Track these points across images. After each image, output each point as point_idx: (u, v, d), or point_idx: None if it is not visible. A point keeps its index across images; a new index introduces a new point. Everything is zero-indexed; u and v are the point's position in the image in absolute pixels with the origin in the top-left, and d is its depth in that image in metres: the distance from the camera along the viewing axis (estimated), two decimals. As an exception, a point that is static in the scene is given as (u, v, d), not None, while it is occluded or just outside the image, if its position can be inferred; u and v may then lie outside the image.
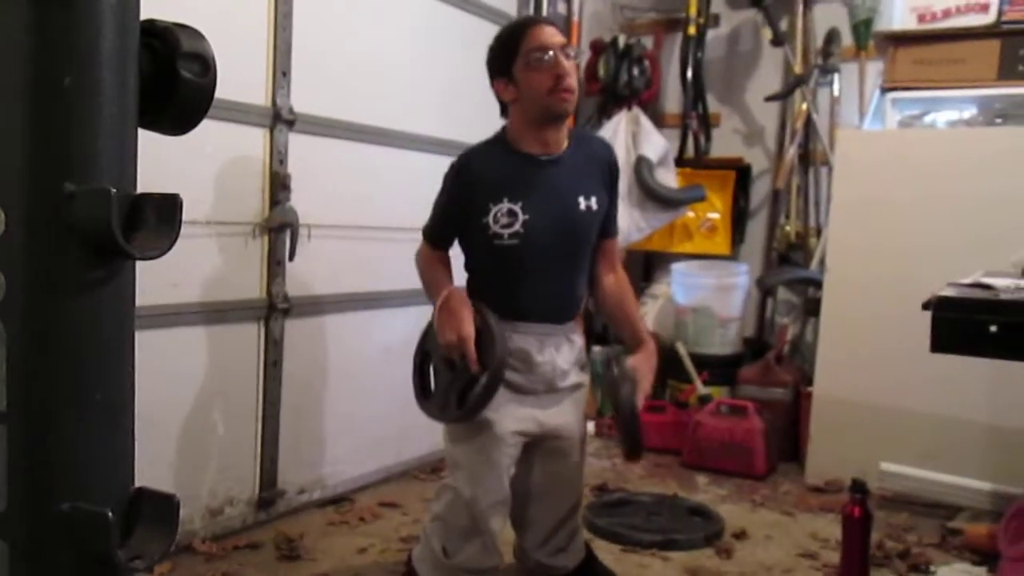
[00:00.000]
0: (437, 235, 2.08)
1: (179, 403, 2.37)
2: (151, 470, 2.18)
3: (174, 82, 0.76)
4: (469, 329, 1.87)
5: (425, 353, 2.06)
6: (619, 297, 2.17)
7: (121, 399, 0.74)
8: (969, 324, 1.48)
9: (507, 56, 1.96)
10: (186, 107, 0.77)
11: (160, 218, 0.73)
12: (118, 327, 0.74)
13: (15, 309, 0.69)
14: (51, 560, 0.70)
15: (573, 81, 1.93)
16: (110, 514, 0.70)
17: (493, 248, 1.96)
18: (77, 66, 0.68)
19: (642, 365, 2.05)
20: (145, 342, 2.08)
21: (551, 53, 1.91)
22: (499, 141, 2.03)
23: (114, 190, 0.68)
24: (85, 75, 0.68)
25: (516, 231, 1.94)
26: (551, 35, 1.93)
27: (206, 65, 0.78)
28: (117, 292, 0.72)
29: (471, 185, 1.98)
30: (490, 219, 1.94)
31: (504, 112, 2.04)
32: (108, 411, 0.72)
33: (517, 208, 1.93)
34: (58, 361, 0.69)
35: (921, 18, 3.12)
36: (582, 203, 2.00)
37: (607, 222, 2.11)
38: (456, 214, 2.02)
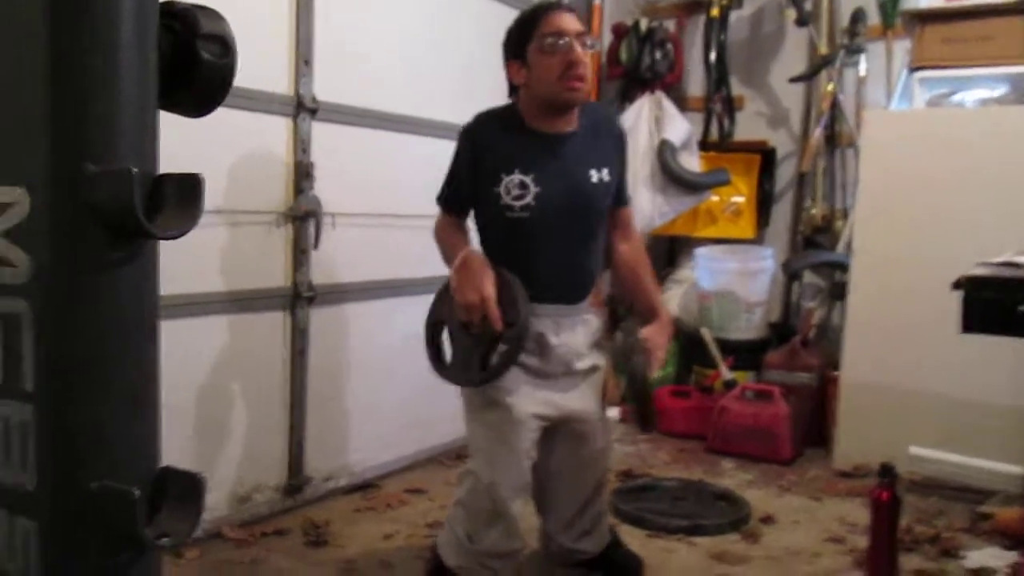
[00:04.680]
0: (450, 199, 2.07)
1: (206, 391, 2.39)
2: (179, 457, 2.20)
3: (194, 63, 0.77)
4: (490, 288, 1.85)
5: (436, 322, 2.04)
6: (633, 265, 2.15)
7: (146, 378, 0.75)
8: (1000, 304, 1.45)
9: (522, 38, 1.94)
10: (206, 88, 0.78)
11: (182, 198, 0.73)
12: (141, 307, 0.74)
13: (40, 290, 0.69)
14: (79, 538, 0.72)
15: (585, 71, 1.91)
16: (137, 492, 0.71)
17: (505, 220, 1.95)
18: (96, 48, 0.68)
19: (655, 336, 2.03)
20: (172, 331, 2.09)
21: (566, 39, 1.89)
22: (511, 114, 2.01)
23: (136, 170, 0.69)
24: (104, 57, 0.69)
25: (527, 203, 1.92)
26: (569, 22, 1.91)
27: (226, 46, 0.78)
28: (140, 272, 0.73)
29: (482, 150, 1.97)
30: (501, 189, 1.93)
31: (512, 94, 2.03)
32: (133, 390, 0.73)
33: (529, 180, 1.92)
34: (83, 341, 0.70)
35: (949, -5, 3.07)
36: (594, 176, 1.99)
37: (618, 191, 2.10)
38: (468, 178, 2.00)
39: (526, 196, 1.92)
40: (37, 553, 0.72)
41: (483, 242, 2.06)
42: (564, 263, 1.99)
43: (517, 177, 1.92)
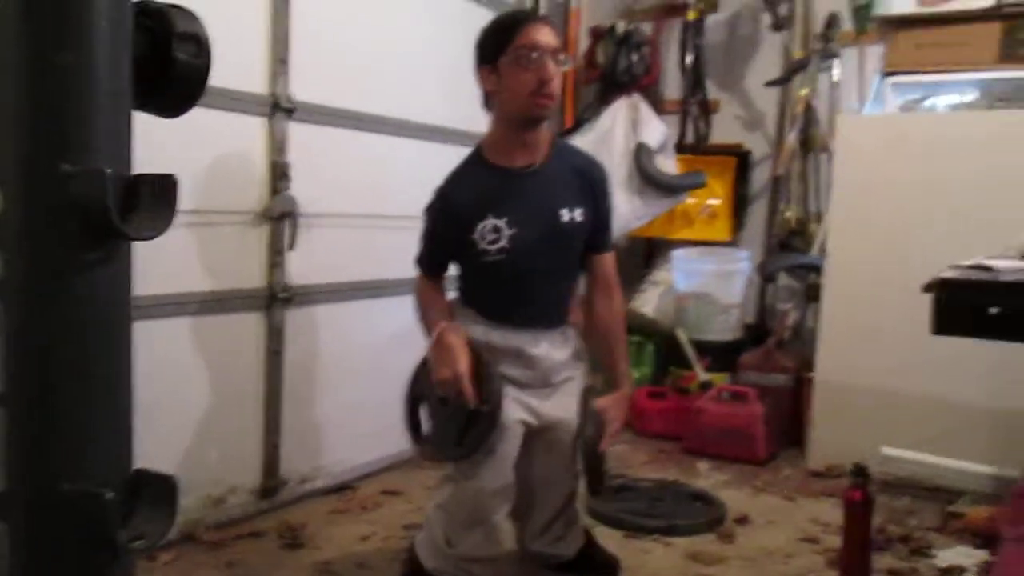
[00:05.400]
0: (429, 263, 2.08)
1: (181, 393, 2.37)
2: (153, 459, 2.18)
3: (169, 63, 0.76)
4: (464, 365, 1.86)
5: (415, 394, 2.06)
6: (608, 330, 2.12)
7: (119, 379, 0.75)
8: (969, 306, 1.47)
9: (497, 46, 1.92)
10: (181, 88, 0.77)
11: (157, 199, 0.73)
12: (116, 308, 0.74)
13: (14, 290, 0.69)
14: (52, 540, 0.71)
15: (556, 88, 1.91)
16: (110, 494, 0.71)
17: (482, 263, 1.96)
18: (70, 46, 0.68)
19: (612, 409, 2.03)
20: (147, 331, 2.08)
21: (540, 54, 1.88)
22: (476, 159, 2.02)
23: (110, 171, 0.68)
24: (79, 55, 0.68)
25: (503, 246, 1.94)
26: (545, 36, 1.90)
27: (201, 46, 0.78)
28: (115, 273, 0.73)
29: (454, 212, 1.98)
30: (476, 236, 1.94)
31: (487, 103, 2.02)
32: (107, 391, 0.73)
33: (502, 223, 1.94)
34: (56, 342, 0.69)
35: (922, 1, 3.10)
36: (565, 215, 1.98)
37: (596, 236, 2.08)
38: (444, 241, 2.02)
39: (500, 239, 1.94)
40: (8, 555, 0.71)
41: (462, 282, 2.08)
42: (541, 295, 2.02)
43: (491, 222, 1.94)
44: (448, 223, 1.99)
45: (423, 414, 2.06)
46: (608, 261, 2.13)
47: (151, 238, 0.74)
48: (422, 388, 2.03)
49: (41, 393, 0.72)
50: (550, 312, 2.06)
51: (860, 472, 2.13)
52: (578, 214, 2.00)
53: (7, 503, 0.72)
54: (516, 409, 1.95)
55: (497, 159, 1.99)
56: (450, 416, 1.92)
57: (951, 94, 3.22)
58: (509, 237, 1.94)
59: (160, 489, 0.78)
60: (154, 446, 2.29)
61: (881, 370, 3.00)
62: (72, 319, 0.73)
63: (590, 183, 2.06)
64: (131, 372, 0.78)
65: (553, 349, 2.03)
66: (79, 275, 0.72)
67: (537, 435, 2.03)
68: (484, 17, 1.96)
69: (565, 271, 2.07)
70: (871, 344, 3.01)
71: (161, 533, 0.77)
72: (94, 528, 0.73)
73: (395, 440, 3.06)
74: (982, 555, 2.38)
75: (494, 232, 1.94)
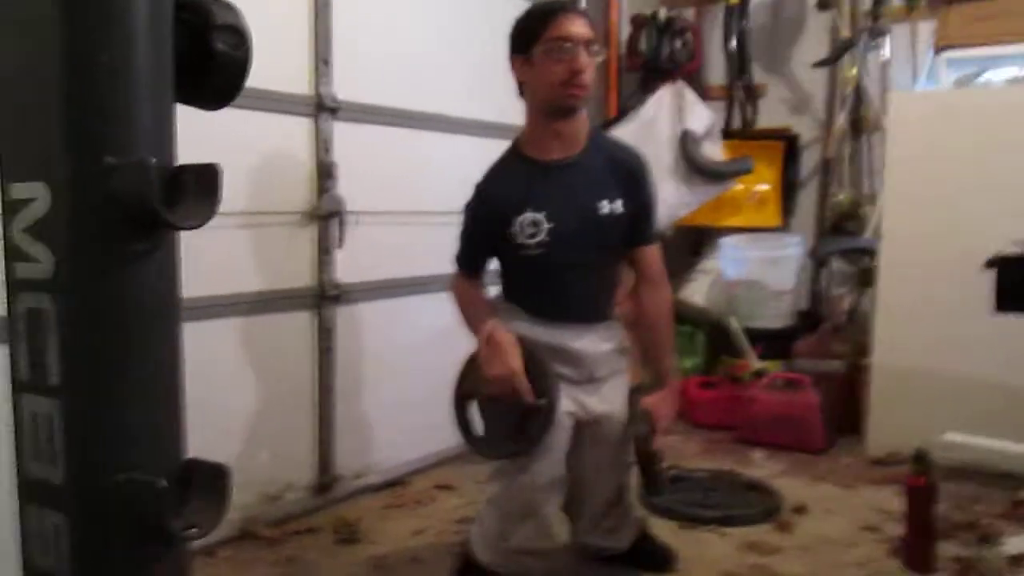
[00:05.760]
0: (468, 261, 2.07)
1: (235, 392, 2.40)
2: (209, 457, 2.22)
3: (209, 55, 0.77)
4: (517, 362, 1.85)
5: (463, 396, 2.05)
6: (654, 323, 2.08)
7: (169, 369, 0.75)
8: (1034, 281, 1.43)
9: (530, 36, 1.91)
10: (222, 80, 0.78)
11: (201, 189, 0.73)
12: (164, 298, 0.75)
13: (63, 285, 0.70)
14: (108, 530, 0.72)
15: (588, 78, 1.89)
16: (163, 483, 0.71)
17: (521, 258, 1.95)
18: (111, 41, 0.68)
19: (660, 406, 2.00)
20: (200, 332, 2.11)
21: (573, 46, 1.86)
22: (513, 154, 2.01)
23: (154, 161, 0.69)
24: (120, 50, 0.69)
25: (542, 240, 1.92)
26: (578, 26, 1.88)
27: (241, 37, 0.78)
28: (162, 263, 0.73)
29: (493, 207, 1.97)
30: (515, 230, 1.93)
31: (522, 92, 2.01)
32: (157, 382, 0.73)
33: (541, 217, 1.92)
34: (107, 334, 0.70)
35: (974, -27, 3.02)
36: (605, 206, 1.96)
37: (638, 228, 2.04)
38: (483, 237, 2.01)
39: (539, 233, 1.92)
40: (67, 546, 0.72)
41: (503, 278, 2.07)
42: (583, 289, 2.01)
43: (529, 216, 1.92)
44: (487, 219, 1.98)
45: (473, 413, 2.05)
46: (653, 253, 2.09)
47: (196, 227, 0.74)
48: (471, 386, 2.02)
49: (94, 385, 0.73)
50: (592, 306, 2.04)
51: (922, 458, 2.08)
52: (618, 205, 1.98)
53: (63, 494, 0.73)
54: (565, 402, 1.94)
55: (534, 152, 1.98)
56: (504, 413, 1.91)
57: (1008, 67, 3.12)
58: (548, 231, 1.92)
59: (212, 478, 0.78)
60: (209, 445, 2.32)
61: (940, 353, 2.92)
62: (121, 310, 0.74)
63: (629, 174, 2.02)
64: (181, 361, 0.79)
65: (596, 343, 2.01)
66: (126, 266, 0.73)
67: (585, 428, 2.01)
68: (519, 7, 1.95)
69: (606, 264, 2.05)
70: (929, 326, 2.93)
71: (214, 522, 0.77)
72: (148, 517, 0.74)
73: (445, 435, 3.06)
74: (1052, 541, 2.31)
75: (533, 226, 1.92)
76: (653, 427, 1.97)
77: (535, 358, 1.89)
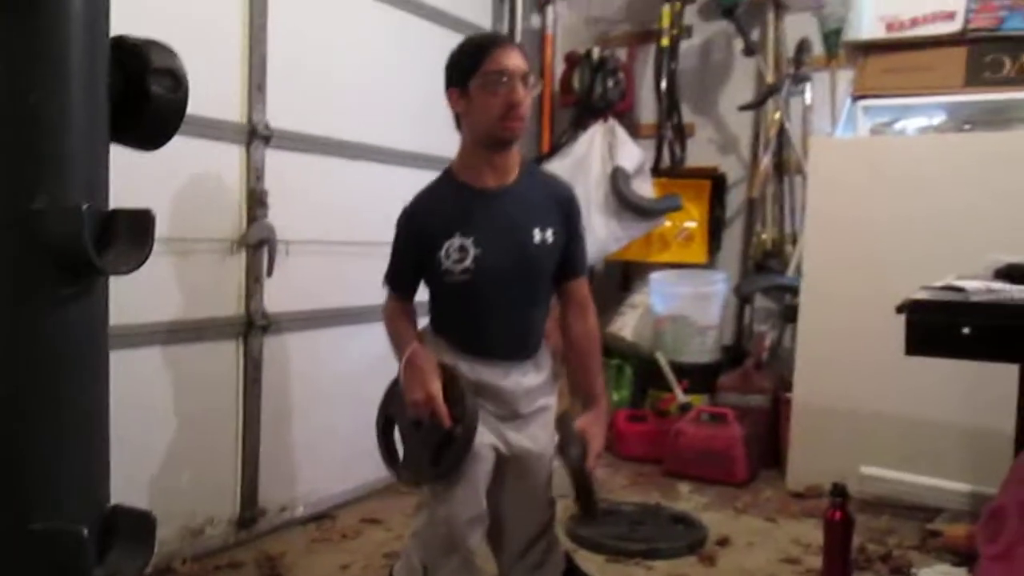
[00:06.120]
0: (396, 282, 2.05)
1: (157, 423, 2.34)
2: (129, 490, 2.15)
3: (145, 98, 0.76)
4: (436, 386, 1.84)
5: (387, 418, 2.04)
6: (585, 349, 2.09)
7: (95, 415, 0.74)
8: (941, 326, 1.49)
9: (466, 69, 1.92)
10: (158, 123, 0.77)
11: (133, 234, 0.73)
12: (91, 343, 0.73)
13: (-13, 327, 0.68)
14: (26, 580, 0.70)
15: (524, 111, 1.90)
16: (85, 532, 0.70)
17: (447, 285, 1.93)
18: (44, 82, 0.68)
19: (591, 427, 2.01)
20: (123, 361, 2.05)
21: (509, 79, 1.87)
22: (447, 178, 2.01)
23: (86, 206, 0.68)
24: (53, 91, 0.68)
25: (467, 267, 1.90)
26: (515, 60, 1.89)
27: (177, 81, 0.78)
28: (90, 308, 0.72)
29: (422, 229, 1.95)
30: (442, 254, 1.91)
31: (459, 124, 2.03)
32: (82, 428, 0.72)
33: (468, 243, 1.90)
34: (32, 378, 0.68)
35: (889, 27, 3.16)
36: (537, 235, 1.96)
37: (570, 260, 2.05)
38: (411, 259, 1.99)
39: (466, 259, 1.90)
40: (-19, 597, 0.70)
41: (432, 306, 2.05)
42: (510, 322, 1.98)
43: (457, 240, 1.90)
44: (415, 240, 1.96)
45: (396, 437, 2.04)
46: (583, 285, 2.11)
47: (127, 272, 0.74)
48: (394, 410, 2.00)
49: (15, 430, 0.71)
50: (521, 341, 2.02)
51: (839, 492, 2.14)
52: (549, 235, 1.97)
53: (-20, 543, 0.71)
54: (486, 434, 1.93)
55: (467, 178, 1.97)
56: (424, 438, 1.90)
57: (920, 117, 3.28)
58: (475, 257, 1.90)
59: (137, 525, 0.77)
60: (130, 477, 2.27)
61: (858, 390, 3.02)
62: (47, 354, 0.72)
63: (561, 204, 2.04)
64: (107, 408, 0.77)
65: (523, 378, 2.00)
66: (54, 311, 0.72)
67: (508, 464, 2.00)
68: (455, 43, 1.98)
69: (535, 297, 2.03)
70: (848, 364, 3.04)
71: (137, 570, 0.76)
72: (69, 566, 0.72)
73: (373, 468, 3.04)
74: (961, 573, 2.40)
75: (460, 252, 1.90)
76: (586, 450, 1.98)
77: (455, 384, 1.88)
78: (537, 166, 2.18)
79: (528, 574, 2.11)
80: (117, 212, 0.74)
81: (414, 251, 1.98)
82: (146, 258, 0.74)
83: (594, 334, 2.12)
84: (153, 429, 2.33)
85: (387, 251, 2.09)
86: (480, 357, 1.96)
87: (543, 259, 1.99)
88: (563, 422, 2.04)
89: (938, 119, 3.25)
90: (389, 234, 2.09)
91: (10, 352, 0.71)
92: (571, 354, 2.13)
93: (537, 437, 2.03)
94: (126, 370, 2.10)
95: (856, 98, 3.28)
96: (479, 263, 1.91)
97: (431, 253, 1.93)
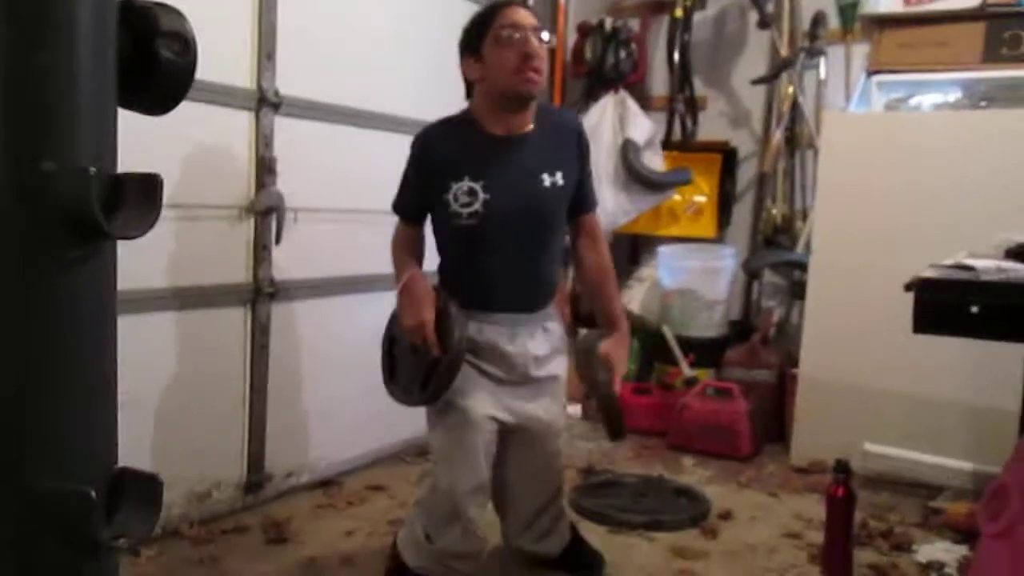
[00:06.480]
0: (403, 207, 2.07)
1: (165, 387, 2.36)
2: (136, 454, 2.17)
3: (153, 61, 0.76)
4: (428, 314, 1.88)
5: (392, 338, 2.06)
6: (599, 277, 2.13)
7: (103, 378, 0.74)
8: (950, 305, 1.49)
9: (478, 33, 1.93)
10: (166, 86, 0.77)
11: (141, 198, 0.73)
12: (100, 307, 0.74)
13: (-5, 289, 0.69)
14: (33, 539, 0.70)
15: (541, 63, 1.91)
16: (94, 493, 0.70)
17: (454, 228, 1.94)
18: (52, 43, 0.67)
19: (615, 350, 2.04)
20: (131, 326, 2.07)
21: (522, 32, 1.88)
22: (464, 119, 2.00)
23: (94, 169, 0.68)
24: (61, 53, 0.68)
25: (475, 210, 1.91)
26: (524, 16, 1.92)
27: (186, 44, 0.77)
28: (98, 272, 0.72)
29: (432, 160, 1.96)
30: (450, 196, 1.92)
31: (469, 94, 2.02)
32: (90, 390, 0.72)
33: (478, 187, 1.91)
34: (39, 341, 0.69)
35: (907, 1, 3.12)
36: (546, 179, 1.97)
37: (581, 196, 2.08)
38: (419, 186, 2.00)
39: (474, 203, 1.91)
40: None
41: (439, 250, 2.06)
42: (518, 271, 1.98)
43: (466, 184, 1.91)
44: (424, 167, 1.98)
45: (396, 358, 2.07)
46: (593, 218, 2.14)
47: (135, 237, 0.74)
48: (397, 332, 2.03)
49: (22, 393, 0.72)
50: (528, 292, 2.02)
51: (842, 468, 2.15)
52: (559, 176, 1.98)
53: (-11, 502, 0.72)
54: (487, 405, 1.95)
55: (483, 125, 1.97)
56: (416, 362, 1.94)
57: (935, 93, 3.24)
58: (484, 202, 1.90)
59: (144, 488, 0.77)
60: (138, 440, 2.30)
61: (864, 367, 3.02)
62: (56, 318, 0.72)
63: (575, 139, 2.06)
64: (115, 371, 0.78)
65: (531, 343, 2.00)
66: (62, 274, 0.72)
67: (516, 433, 2.02)
68: (469, 10, 1.97)
69: (545, 245, 2.02)
70: (855, 341, 3.03)
71: (145, 532, 0.77)
72: (77, 527, 0.73)
73: (379, 435, 3.08)
74: (962, 550, 2.42)
75: (468, 195, 1.91)
76: (611, 372, 2.00)
77: (447, 312, 1.90)
78: (546, 104, 2.14)
79: (534, 544, 2.14)
80: (125, 176, 0.74)
81: (422, 179, 1.98)
82: (154, 222, 0.74)
83: (606, 262, 2.15)
84: (162, 393, 2.35)
85: (393, 219, 2.09)
86: (487, 312, 1.96)
87: (553, 203, 2.00)
88: (587, 348, 2.06)
89: (954, 95, 3.22)
90: (395, 204, 2.10)
91: (18, 315, 0.71)
92: (586, 284, 2.17)
93: (547, 405, 2.05)
94: (134, 335, 2.12)
95: (871, 73, 3.25)
96: (488, 207, 1.91)
97: (439, 192, 1.93)
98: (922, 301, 1.50)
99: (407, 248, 2.05)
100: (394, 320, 2.05)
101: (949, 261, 1.69)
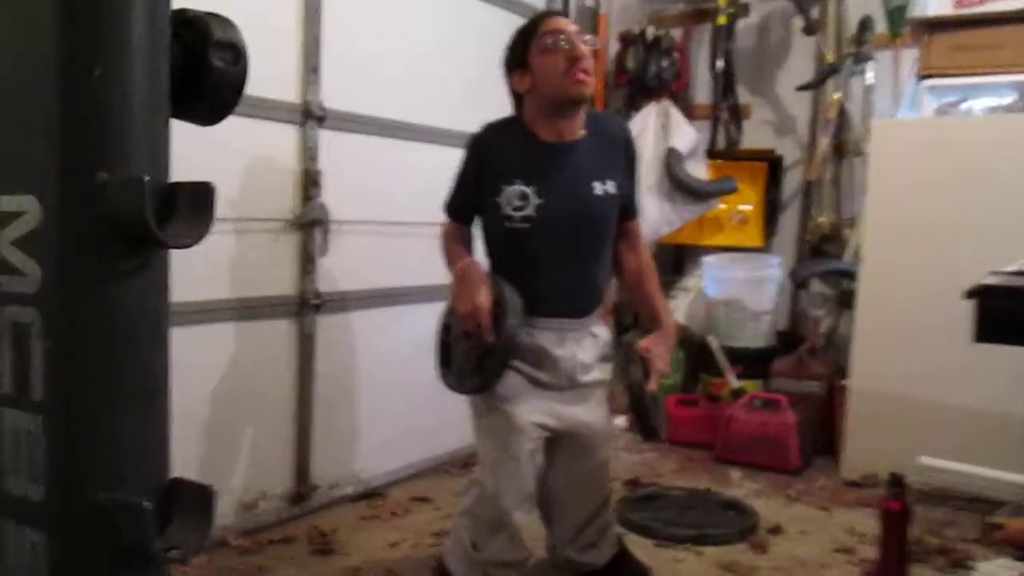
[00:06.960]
0: (455, 207, 2.07)
1: (213, 399, 2.38)
2: (185, 464, 2.19)
3: (206, 71, 0.76)
4: (484, 299, 1.86)
5: (447, 324, 2.06)
6: (640, 277, 2.13)
7: (156, 389, 0.75)
8: (1014, 313, 1.44)
9: (522, 45, 1.95)
10: (218, 96, 0.77)
11: (194, 207, 0.73)
12: (152, 316, 0.74)
13: (51, 299, 0.69)
14: (88, 549, 0.71)
15: (589, 64, 1.91)
16: (148, 504, 0.70)
17: (505, 231, 1.94)
18: (107, 55, 0.68)
19: (656, 346, 2.01)
20: (180, 338, 2.09)
21: (566, 36, 1.90)
22: (517, 122, 2.01)
23: (147, 179, 0.68)
24: (115, 64, 0.68)
25: (528, 215, 1.92)
26: (565, 22, 1.94)
27: (238, 54, 0.78)
28: (151, 281, 0.73)
29: (486, 160, 1.97)
30: (502, 200, 1.93)
31: (518, 109, 2.02)
32: (143, 401, 0.72)
33: (530, 191, 1.92)
34: (94, 351, 0.69)
35: (958, 3, 3.06)
36: (598, 188, 1.97)
37: (627, 203, 2.08)
38: (472, 187, 2.01)
39: (526, 207, 1.92)
40: (45, 565, 0.71)
41: (488, 252, 2.06)
42: (567, 276, 1.98)
43: (518, 188, 1.92)
44: (478, 167, 1.99)
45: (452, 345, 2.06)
46: (635, 225, 2.15)
47: (188, 246, 0.74)
48: (451, 319, 2.02)
49: (79, 403, 0.72)
50: (577, 298, 2.01)
51: (897, 482, 2.10)
52: (611, 186, 1.99)
53: (43, 512, 0.72)
54: (533, 412, 1.94)
55: (535, 129, 1.98)
56: (470, 348, 1.92)
57: (988, 97, 3.16)
58: (536, 207, 1.91)
59: (197, 498, 0.77)
60: (186, 451, 2.31)
61: (917, 377, 2.95)
62: (109, 328, 0.73)
63: (623, 147, 2.06)
64: (168, 381, 0.78)
65: (579, 349, 2.00)
66: (116, 284, 0.72)
67: (564, 440, 2.01)
68: (510, 22, 1.98)
69: (594, 253, 2.02)
70: (907, 351, 2.96)
71: (197, 543, 0.77)
72: (130, 538, 0.73)
73: (423, 446, 3.08)
74: (1022, 567, 2.33)
75: (521, 199, 1.92)
76: (647, 370, 1.97)
77: (503, 299, 1.89)
78: (596, 111, 2.15)
79: (579, 554, 2.12)
80: (178, 185, 0.74)
81: (476, 179, 1.99)
82: (207, 231, 0.74)
83: (647, 259, 2.16)
84: (209, 404, 2.37)
85: (437, 232, 2.09)
86: (536, 317, 1.96)
87: (605, 211, 2.01)
88: (627, 342, 2.03)
89: (1008, 99, 3.13)
90: (440, 216, 2.10)
91: (74, 324, 0.71)
92: (627, 281, 2.16)
93: (593, 411, 2.04)
94: (183, 346, 2.13)
95: (921, 78, 3.18)
96: (540, 212, 1.92)
97: (492, 195, 1.94)
98: (985, 309, 1.46)
99: (458, 239, 2.06)
100: (451, 310, 2.05)
101: (1011, 267, 1.64)
